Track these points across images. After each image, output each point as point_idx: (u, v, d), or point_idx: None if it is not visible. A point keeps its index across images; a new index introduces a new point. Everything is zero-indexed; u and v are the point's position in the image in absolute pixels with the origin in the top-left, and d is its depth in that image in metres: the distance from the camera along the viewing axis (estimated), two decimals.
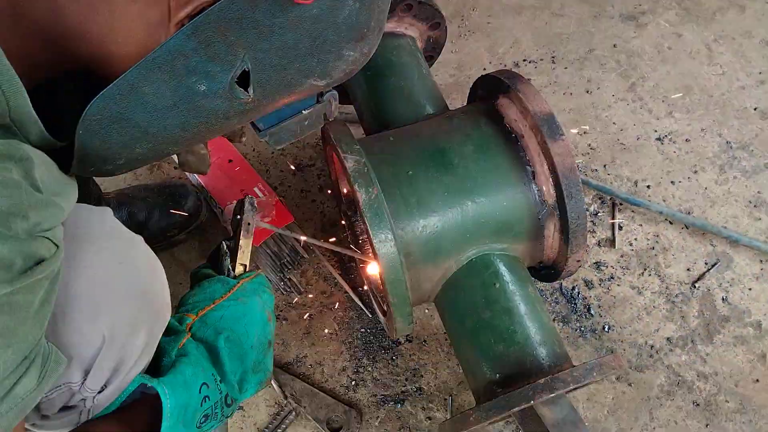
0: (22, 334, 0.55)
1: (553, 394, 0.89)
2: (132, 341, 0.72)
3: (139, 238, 0.78)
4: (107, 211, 0.77)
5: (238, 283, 0.92)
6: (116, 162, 0.61)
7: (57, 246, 0.58)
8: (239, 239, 0.98)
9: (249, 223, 0.99)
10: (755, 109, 1.55)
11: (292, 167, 1.47)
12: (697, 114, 1.55)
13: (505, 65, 1.63)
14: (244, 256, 0.98)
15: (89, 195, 1.20)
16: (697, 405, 1.24)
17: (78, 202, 0.65)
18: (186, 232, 1.38)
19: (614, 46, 1.66)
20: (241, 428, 1.23)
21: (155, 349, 0.79)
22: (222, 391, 0.82)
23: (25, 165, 0.54)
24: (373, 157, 1.03)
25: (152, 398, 0.75)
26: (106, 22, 0.56)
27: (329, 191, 1.43)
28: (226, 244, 0.99)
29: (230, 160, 1.44)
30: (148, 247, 0.78)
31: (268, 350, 0.91)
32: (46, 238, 0.56)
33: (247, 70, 0.57)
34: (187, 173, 1.46)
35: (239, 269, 0.97)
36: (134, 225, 1.31)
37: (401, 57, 1.21)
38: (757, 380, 1.25)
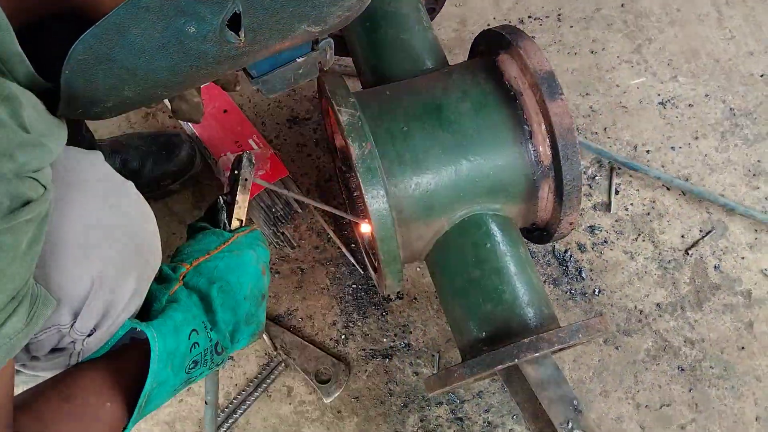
0: (10, 275, 0.55)
1: (537, 354, 0.90)
2: (121, 285, 0.72)
3: (130, 183, 0.77)
4: (98, 155, 0.76)
5: (234, 236, 0.92)
6: (104, 104, 0.60)
7: (45, 188, 0.57)
8: (236, 194, 0.98)
9: (246, 179, 0.99)
10: (762, 75, 1.52)
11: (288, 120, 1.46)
12: (702, 79, 1.52)
13: (510, 21, 1.60)
14: (240, 212, 0.98)
15: (82, 141, 1.18)
16: (682, 370, 1.26)
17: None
18: (180, 182, 1.37)
19: (622, 5, 1.62)
20: (231, 377, 1.25)
21: (146, 294, 0.80)
22: (212, 339, 0.83)
23: (12, 104, 0.52)
24: (369, 111, 1.01)
25: (142, 343, 0.75)
26: None
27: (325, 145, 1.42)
28: (223, 199, 0.99)
29: (225, 111, 1.42)
30: (139, 192, 0.78)
31: (261, 303, 0.91)
32: (34, 179, 0.56)
33: (238, 12, 0.55)
34: (181, 122, 1.45)
35: (235, 224, 0.97)
36: (127, 173, 1.29)
37: (401, 8, 1.18)
38: (743, 348, 1.27)
